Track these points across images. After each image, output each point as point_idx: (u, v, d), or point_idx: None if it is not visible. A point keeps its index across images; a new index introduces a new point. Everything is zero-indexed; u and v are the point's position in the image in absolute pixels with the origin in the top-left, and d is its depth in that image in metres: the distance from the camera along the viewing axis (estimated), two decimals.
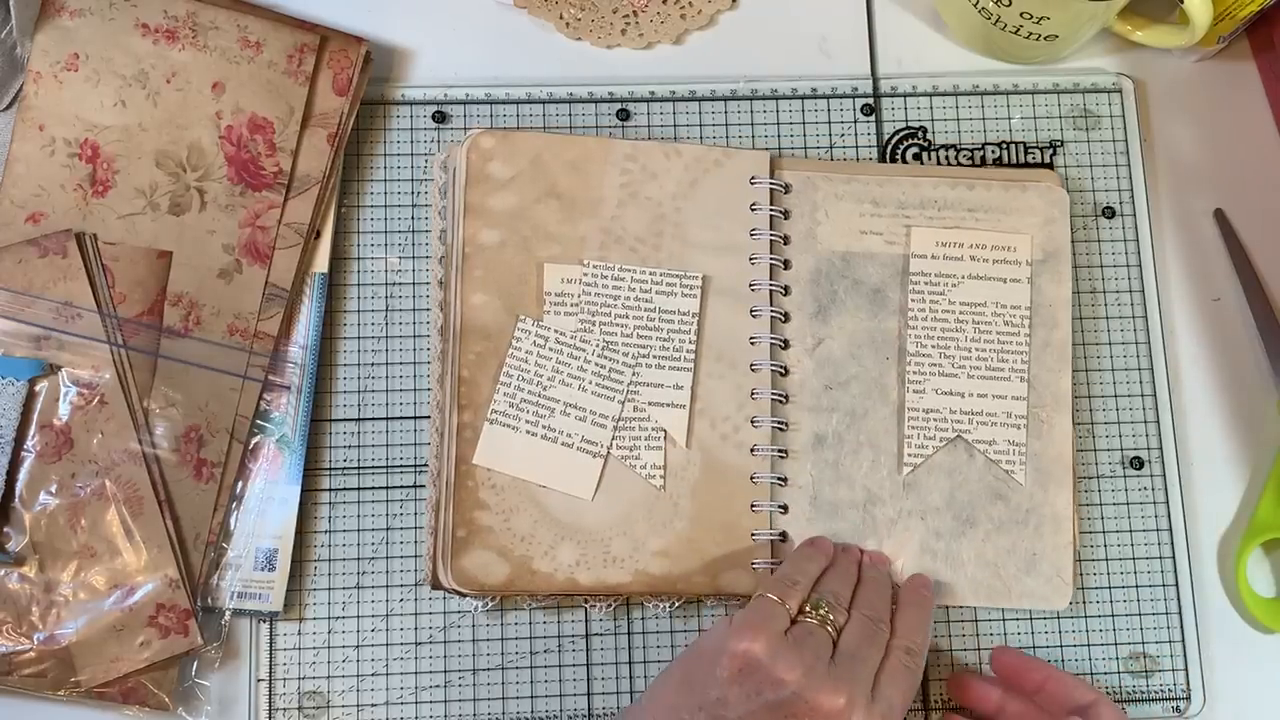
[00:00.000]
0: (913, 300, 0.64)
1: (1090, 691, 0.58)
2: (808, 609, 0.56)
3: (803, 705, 0.52)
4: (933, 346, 0.63)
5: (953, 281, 0.64)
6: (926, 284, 0.64)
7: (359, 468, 0.63)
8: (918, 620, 0.58)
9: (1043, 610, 0.63)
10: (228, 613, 0.61)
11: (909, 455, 0.63)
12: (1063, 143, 0.68)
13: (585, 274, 0.62)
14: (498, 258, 0.62)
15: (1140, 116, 0.69)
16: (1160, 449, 0.65)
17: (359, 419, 0.63)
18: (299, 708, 0.61)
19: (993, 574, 0.62)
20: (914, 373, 0.63)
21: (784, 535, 0.62)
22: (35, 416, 0.60)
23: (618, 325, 0.62)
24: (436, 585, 0.60)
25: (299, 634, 0.61)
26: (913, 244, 0.64)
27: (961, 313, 0.64)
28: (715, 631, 0.55)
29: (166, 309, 0.61)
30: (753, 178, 0.65)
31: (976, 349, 0.64)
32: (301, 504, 0.62)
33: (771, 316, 0.63)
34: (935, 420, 0.63)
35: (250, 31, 0.63)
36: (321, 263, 0.64)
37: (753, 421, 0.62)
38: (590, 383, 0.62)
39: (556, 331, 0.62)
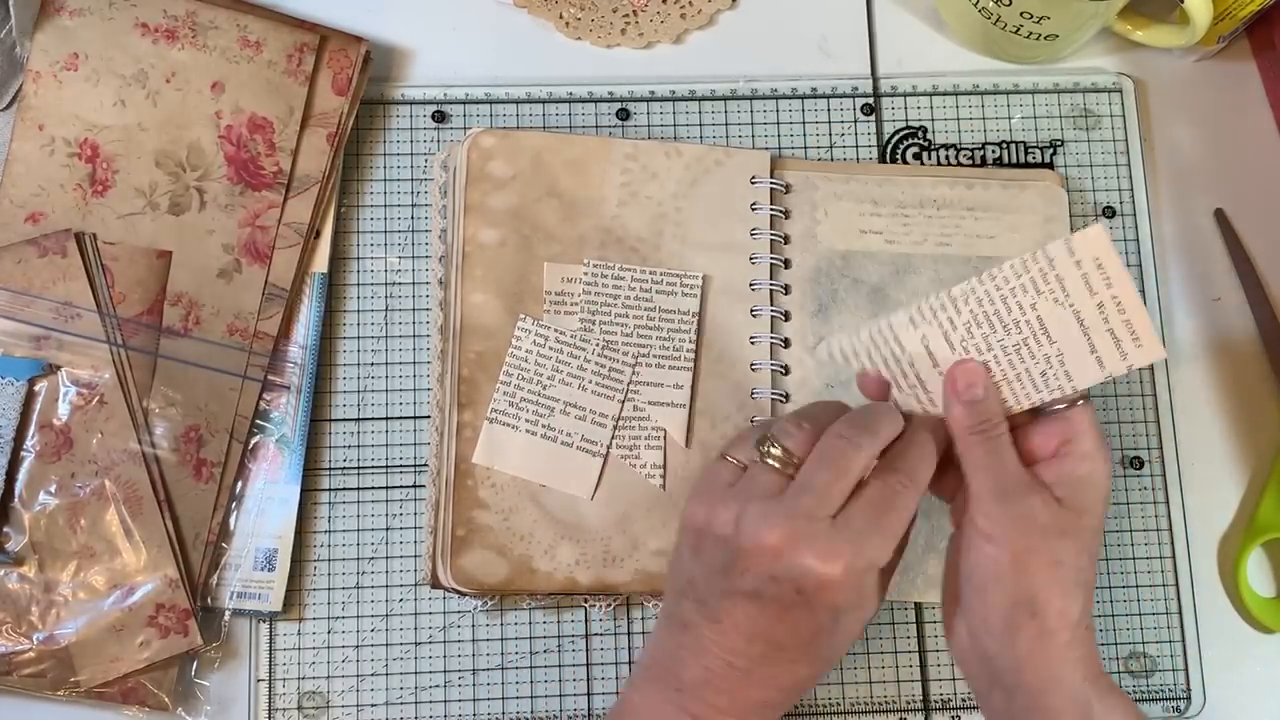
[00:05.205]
0: (1012, 266, 0.50)
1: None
2: (758, 450, 0.50)
3: (741, 554, 0.47)
4: (969, 311, 0.51)
5: (1057, 297, 0.50)
6: (1040, 271, 0.50)
7: (359, 468, 0.63)
8: (917, 447, 0.50)
9: None
10: (227, 613, 0.61)
11: (837, 347, 0.54)
12: (1063, 142, 0.68)
13: (585, 273, 0.62)
14: (498, 257, 0.62)
15: (1140, 116, 0.69)
16: (1160, 449, 0.65)
17: (359, 419, 0.63)
18: (299, 708, 0.61)
19: None
20: (930, 309, 0.52)
21: None
22: (35, 416, 0.60)
23: (618, 324, 0.62)
24: (436, 584, 0.60)
25: (299, 634, 0.61)
26: (1079, 236, 0.49)
27: (1026, 323, 0.50)
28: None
29: (166, 309, 0.61)
30: (753, 177, 0.65)
31: (999, 355, 0.52)
32: (301, 504, 0.62)
33: (772, 316, 0.63)
34: (892, 353, 0.53)
35: (250, 31, 0.63)
36: (321, 262, 0.64)
37: (753, 421, 0.62)
38: (590, 382, 0.62)
39: (556, 331, 0.62)
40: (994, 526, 0.49)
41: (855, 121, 0.68)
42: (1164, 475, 0.65)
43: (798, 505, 0.47)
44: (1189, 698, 0.63)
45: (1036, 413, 0.52)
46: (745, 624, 0.49)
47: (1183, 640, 0.63)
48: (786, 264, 0.65)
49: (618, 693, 0.61)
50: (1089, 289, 0.49)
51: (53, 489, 0.59)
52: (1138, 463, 0.65)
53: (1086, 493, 0.50)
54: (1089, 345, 0.49)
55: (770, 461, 0.49)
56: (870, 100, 0.68)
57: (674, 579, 0.52)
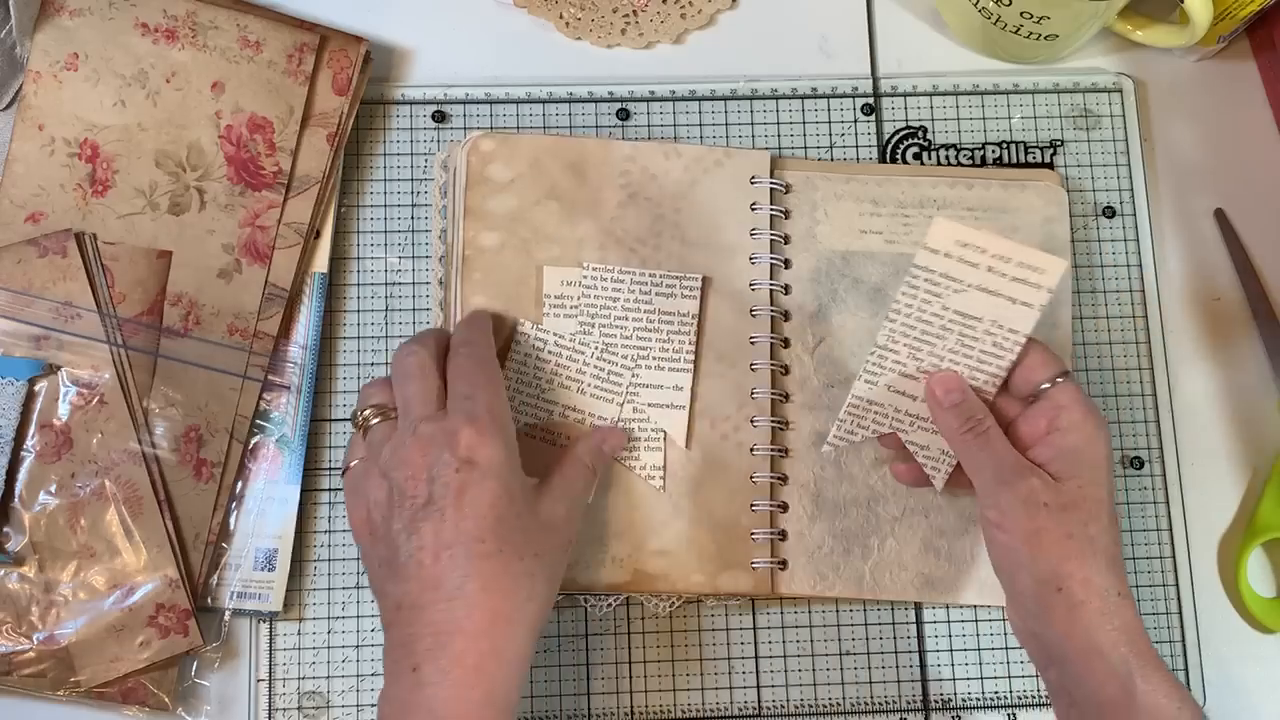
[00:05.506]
0: (903, 294, 0.56)
1: (1053, 364, 0.55)
2: (359, 427, 0.55)
3: (402, 485, 0.50)
4: (905, 346, 0.57)
5: (956, 288, 0.56)
6: (927, 281, 0.56)
7: None
8: (464, 321, 0.58)
9: None
10: (227, 613, 0.61)
11: (834, 437, 0.60)
12: (1063, 142, 0.68)
13: (584, 276, 0.62)
14: (497, 260, 0.62)
15: (1140, 116, 0.69)
16: (1160, 449, 0.65)
17: None
18: (299, 708, 0.61)
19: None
20: (874, 364, 0.58)
21: (784, 534, 0.62)
22: (35, 416, 0.60)
23: (617, 327, 0.62)
24: None
25: (299, 634, 0.61)
26: (929, 236, 0.55)
27: (950, 321, 0.56)
28: None
29: (166, 309, 0.61)
30: (753, 177, 0.64)
31: (952, 359, 0.57)
32: (301, 504, 0.62)
33: (771, 316, 0.63)
34: (875, 413, 0.59)
35: (250, 31, 0.63)
36: (321, 262, 0.64)
37: (753, 421, 0.62)
38: (589, 385, 0.62)
39: (555, 334, 0.62)
40: (1001, 515, 0.52)
41: (855, 121, 0.68)
42: (1164, 475, 0.65)
43: (411, 420, 0.52)
44: None
45: (1032, 399, 0.56)
46: (435, 539, 0.49)
47: (1183, 640, 0.63)
48: (786, 264, 0.65)
49: (617, 692, 0.62)
50: (971, 265, 0.55)
51: (53, 489, 0.59)
52: (1138, 463, 0.65)
53: (1080, 462, 0.53)
54: (1008, 300, 0.55)
55: (373, 422, 0.54)
56: (870, 100, 0.68)
57: (377, 593, 0.52)
